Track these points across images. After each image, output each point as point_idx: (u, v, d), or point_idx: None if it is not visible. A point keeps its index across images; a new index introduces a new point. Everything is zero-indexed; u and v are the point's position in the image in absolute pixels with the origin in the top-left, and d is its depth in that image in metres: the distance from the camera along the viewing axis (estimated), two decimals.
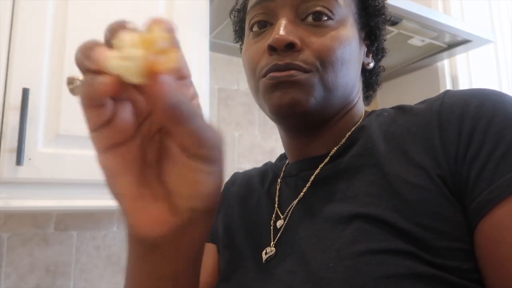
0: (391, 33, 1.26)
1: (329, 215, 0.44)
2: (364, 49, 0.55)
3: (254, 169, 0.67)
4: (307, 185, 0.50)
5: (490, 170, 0.37)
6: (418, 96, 1.54)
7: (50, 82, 0.75)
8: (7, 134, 0.70)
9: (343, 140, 0.51)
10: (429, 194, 0.39)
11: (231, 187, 0.65)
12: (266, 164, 0.65)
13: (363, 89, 0.58)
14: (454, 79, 1.49)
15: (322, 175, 0.50)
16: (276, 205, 0.53)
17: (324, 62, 0.47)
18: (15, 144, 0.69)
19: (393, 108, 0.51)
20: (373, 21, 0.55)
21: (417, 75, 1.59)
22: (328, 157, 0.50)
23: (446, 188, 0.39)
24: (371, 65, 0.57)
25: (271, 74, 0.47)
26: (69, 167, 0.75)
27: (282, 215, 0.51)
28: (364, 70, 0.57)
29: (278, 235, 0.50)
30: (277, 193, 0.55)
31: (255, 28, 0.51)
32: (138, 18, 0.27)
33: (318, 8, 0.48)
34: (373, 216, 0.40)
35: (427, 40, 1.33)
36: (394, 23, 1.20)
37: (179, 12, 0.93)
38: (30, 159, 0.71)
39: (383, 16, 0.56)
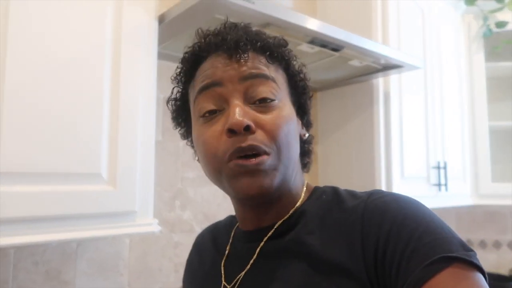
0: (333, 56, 1.33)
1: None
2: (299, 122, 0.62)
3: (210, 227, 0.73)
4: (253, 257, 0.56)
5: (403, 268, 0.44)
6: (354, 107, 1.67)
7: None
8: None
9: (286, 216, 0.57)
10: None
11: (193, 256, 0.72)
12: (226, 219, 0.72)
13: (300, 158, 0.63)
14: (386, 95, 1.62)
15: (266, 249, 0.56)
16: (222, 278, 0.59)
17: (277, 141, 0.51)
18: None
19: (331, 190, 0.58)
20: (302, 98, 0.62)
21: (354, 88, 1.70)
22: (272, 230, 0.56)
23: None
24: (306, 135, 0.62)
25: (239, 162, 0.50)
26: (6, 204, 0.74)
27: (228, 285, 0.57)
28: (301, 141, 0.61)
29: None
30: (224, 260, 0.61)
31: (206, 114, 0.54)
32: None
33: (264, 95, 0.53)
34: None
35: (365, 62, 1.43)
36: (336, 50, 1.27)
37: (127, 28, 0.92)
38: None
39: (308, 94, 0.64)
